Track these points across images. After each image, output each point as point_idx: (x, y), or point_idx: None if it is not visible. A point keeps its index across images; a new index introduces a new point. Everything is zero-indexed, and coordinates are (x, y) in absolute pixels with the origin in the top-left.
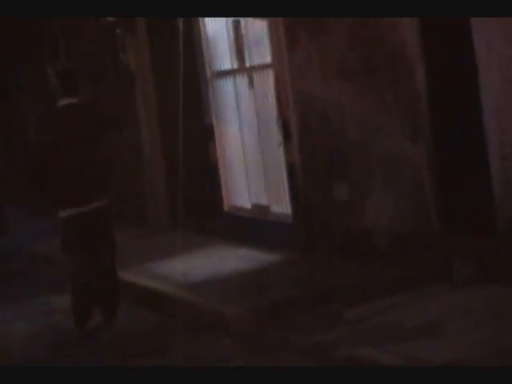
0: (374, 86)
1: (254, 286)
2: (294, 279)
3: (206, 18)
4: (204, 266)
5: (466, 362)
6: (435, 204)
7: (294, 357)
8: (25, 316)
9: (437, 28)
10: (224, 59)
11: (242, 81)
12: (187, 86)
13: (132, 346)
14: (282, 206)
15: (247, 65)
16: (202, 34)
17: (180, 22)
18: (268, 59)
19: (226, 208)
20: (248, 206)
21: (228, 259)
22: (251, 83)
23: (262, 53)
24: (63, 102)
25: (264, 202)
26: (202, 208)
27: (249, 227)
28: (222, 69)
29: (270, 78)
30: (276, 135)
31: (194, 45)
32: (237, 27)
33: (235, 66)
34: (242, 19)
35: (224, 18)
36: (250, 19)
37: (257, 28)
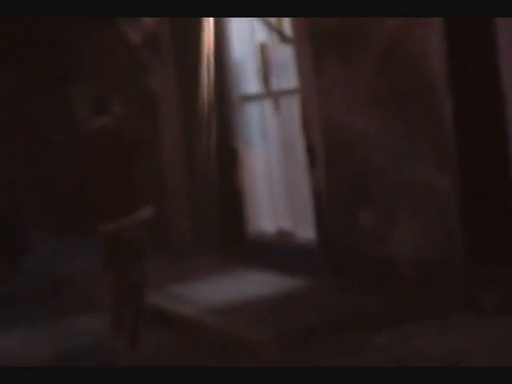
0: (401, 113)
1: (278, 312)
2: (318, 305)
3: (234, 42)
4: (227, 291)
5: None
6: (461, 232)
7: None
8: (48, 338)
9: (465, 56)
10: (250, 83)
11: (268, 105)
12: (213, 109)
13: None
14: (307, 232)
15: (274, 89)
16: (229, 57)
17: (207, 46)
18: (295, 84)
19: (250, 233)
20: (272, 231)
21: (252, 284)
22: (277, 108)
23: (288, 77)
24: (98, 121)
25: (288, 227)
26: (225, 232)
27: (273, 252)
28: (249, 93)
29: (296, 102)
30: (302, 160)
31: (221, 68)
32: (264, 51)
33: (262, 90)
34: (269, 43)
35: (251, 42)
36: (277, 43)
37: (284, 52)
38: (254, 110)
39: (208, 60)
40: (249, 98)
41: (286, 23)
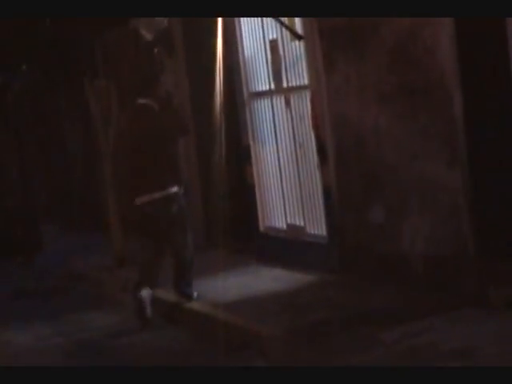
0: (411, 109)
1: (290, 307)
2: (329, 301)
3: (245, 39)
4: (239, 286)
5: None
6: (471, 228)
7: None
8: (61, 333)
9: (475, 52)
10: (261, 80)
11: (279, 102)
12: (224, 106)
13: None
14: (318, 228)
15: (284, 86)
16: (240, 54)
17: (219, 42)
18: (305, 81)
19: (261, 228)
20: (284, 226)
21: (263, 279)
22: (288, 104)
23: (299, 74)
24: (140, 101)
25: (300, 223)
26: (237, 228)
27: (284, 248)
28: (259, 90)
29: (307, 99)
30: (312, 157)
31: (232, 65)
32: (274, 48)
33: (272, 87)
34: (279, 39)
35: (262, 40)
36: (287, 40)
37: (294, 49)
38: (266, 107)
39: (219, 57)
40: (260, 95)
41: (297, 20)
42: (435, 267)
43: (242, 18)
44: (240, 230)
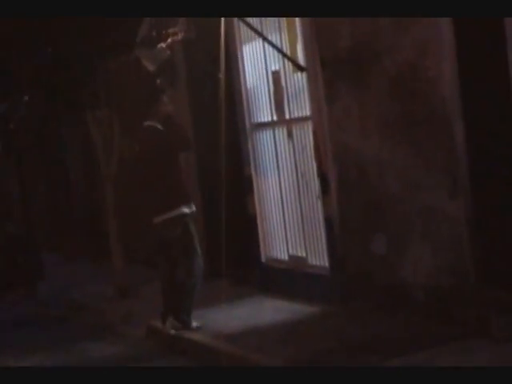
0: (413, 139)
1: (292, 338)
2: (332, 331)
3: (247, 70)
4: (241, 317)
5: None
6: (473, 258)
7: None
8: (61, 363)
9: (476, 83)
10: (263, 111)
11: (281, 133)
12: (226, 137)
13: None
14: (320, 258)
15: (286, 117)
16: (242, 85)
17: (222, 73)
18: (307, 112)
19: (263, 259)
20: (285, 257)
21: (265, 310)
22: (290, 135)
23: (301, 105)
24: (146, 123)
25: (301, 253)
26: (239, 259)
27: (286, 279)
28: (262, 121)
29: (309, 130)
30: (314, 187)
31: (234, 96)
32: (276, 79)
33: (274, 117)
34: (281, 71)
35: (264, 70)
36: (289, 71)
37: (296, 80)
38: (268, 138)
39: (221, 88)
40: (262, 126)
41: (299, 52)
42: (437, 297)
43: (244, 51)
44: (242, 261)
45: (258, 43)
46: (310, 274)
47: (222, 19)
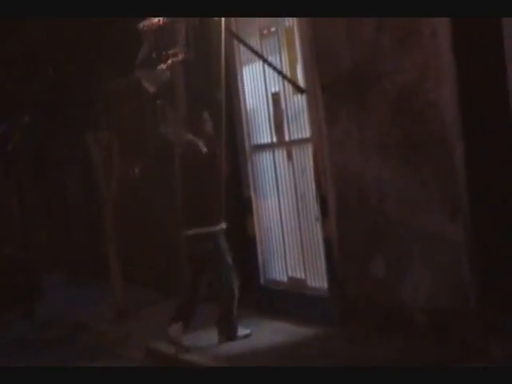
0: (414, 162)
1: (290, 359)
2: (330, 354)
3: (247, 92)
4: (240, 339)
5: None
6: (473, 280)
7: None
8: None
9: (477, 106)
10: (263, 133)
11: (281, 155)
12: (226, 158)
13: None
14: (319, 280)
15: (286, 139)
16: (242, 107)
17: (222, 95)
18: (307, 134)
19: (262, 281)
20: (284, 279)
21: (264, 332)
22: (290, 157)
23: (301, 127)
24: (188, 137)
25: (300, 275)
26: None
27: (285, 301)
28: (261, 142)
29: (308, 152)
30: (314, 209)
31: (234, 118)
32: (276, 101)
33: (274, 139)
34: (281, 92)
35: (264, 92)
36: (289, 93)
37: (296, 102)
38: (267, 160)
39: (222, 110)
40: (262, 148)
41: (299, 73)
42: (437, 320)
43: (244, 72)
44: (240, 282)
45: (258, 65)
46: (309, 296)
47: (223, 41)
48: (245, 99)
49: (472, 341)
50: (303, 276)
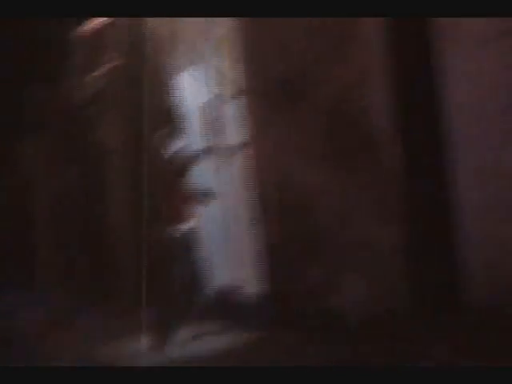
0: (349, 168)
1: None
2: (266, 359)
3: (182, 98)
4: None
5: None
6: (408, 284)
7: None
8: None
9: (411, 110)
10: (198, 138)
11: (217, 160)
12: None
13: None
14: (256, 286)
15: (222, 144)
16: (177, 111)
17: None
18: (244, 139)
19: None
20: (222, 284)
21: (200, 338)
22: (228, 163)
23: (237, 133)
24: None
25: (238, 281)
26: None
27: (222, 306)
28: (197, 148)
29: (246, 157)
30: (252, 216)
31: (170, 119)
32: (212, 106)
33: (210, 145)
34: (217, 98)
35: (199, 97)
36: (225, 98)
37: (232, 108)
38: (203, 166)
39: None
40: (197, 154)
41: (233, 80)
42: (372, 324)
43: (179, 78)
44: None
45: (193, 70)
46: (246, 301)
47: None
48: (180, 103)
49: (408, 345)
50: (241, 281)
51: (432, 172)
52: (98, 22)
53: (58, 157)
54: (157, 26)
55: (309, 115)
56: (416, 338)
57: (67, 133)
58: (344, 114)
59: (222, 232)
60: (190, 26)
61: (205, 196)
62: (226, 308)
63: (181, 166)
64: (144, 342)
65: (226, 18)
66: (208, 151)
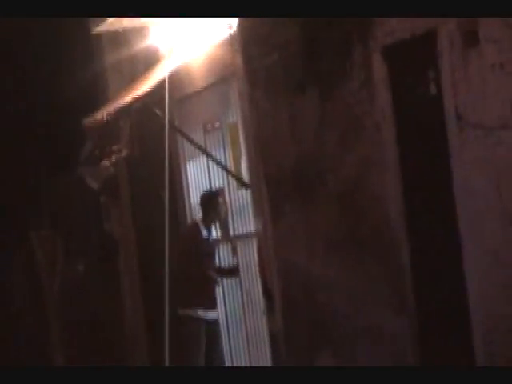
0: (359, 257)
1: None
2: None
3: (191, 187)
4: None
5: None
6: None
7: None
8: None
9: (422, 200)
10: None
11: (226, 250)
12: (171, 254)
13: None
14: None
15: (231, 233)
16: (186, 202)
17: (165, 192)
18: (252, 228)
19: None
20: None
21: None
22: (235, 252)
23: (245, 222)
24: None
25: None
26: None
27: None
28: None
29: (253, 247)
30: (259, 303)
31: (178, 213)
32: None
33: (219, 234)
34: (226, 187)
35: (208, 186)
36: (233, 188)
37: (241, 197)
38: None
39: (165, 206)
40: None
41: (243, 168)
42: None
43: (188, 168)
44: None
45: (202, 160)
46: None
47: (166, 137)
48: (189, 194)
49: None
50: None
51: (443, 261)
52: (108, 112)
53: (70, 246)
54: (165, 116)
55: (320, 204)
56: None
57: (81, 222)
58: (354, 202)
59: (230, 320)
60: (203, 111)
61: (231, 274)
62: None
63: (206, 251)
64: None
65: (238, 107)
66: (217, 240)
